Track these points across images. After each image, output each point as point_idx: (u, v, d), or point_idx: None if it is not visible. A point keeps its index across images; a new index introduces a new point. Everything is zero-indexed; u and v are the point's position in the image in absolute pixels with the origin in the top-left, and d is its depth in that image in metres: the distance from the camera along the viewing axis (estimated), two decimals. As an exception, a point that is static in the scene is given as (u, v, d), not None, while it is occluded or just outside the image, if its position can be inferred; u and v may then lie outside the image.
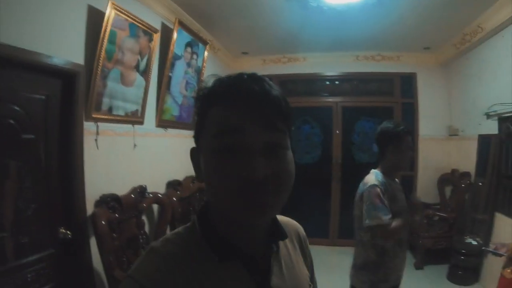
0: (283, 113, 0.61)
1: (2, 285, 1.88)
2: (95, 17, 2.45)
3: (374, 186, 1.94)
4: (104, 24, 2.42)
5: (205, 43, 3.99)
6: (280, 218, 0.79)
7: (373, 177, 2.01)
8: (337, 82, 5.44)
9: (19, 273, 2.00)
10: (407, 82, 5.28)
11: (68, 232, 2.33)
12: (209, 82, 0.65)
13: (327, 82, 5.44)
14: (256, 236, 0.67)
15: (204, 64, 4.09)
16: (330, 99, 5.40)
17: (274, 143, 0.59)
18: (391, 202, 1.94)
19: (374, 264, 1.97)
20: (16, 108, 2.02)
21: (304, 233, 0.88)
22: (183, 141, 4.00)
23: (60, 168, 2.36)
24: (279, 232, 0.72)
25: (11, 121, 1.99)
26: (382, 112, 5.31)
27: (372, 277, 1.98)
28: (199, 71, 4.05)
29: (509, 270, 2.49)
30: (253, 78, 0.61)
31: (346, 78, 5.39)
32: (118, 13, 2.51)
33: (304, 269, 0.80)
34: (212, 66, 4.58)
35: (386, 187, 1.96)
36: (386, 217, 1.87)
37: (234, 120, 0.58)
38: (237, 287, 0.62)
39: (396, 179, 2.14)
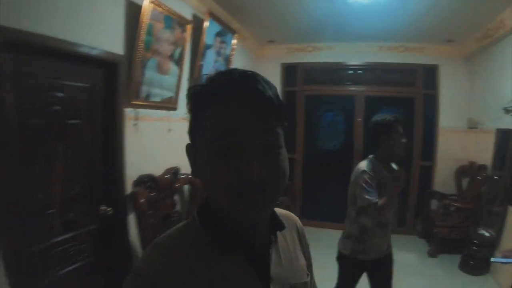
0: (277, 112, 0.59)
1: (48, 256, 1.97)
2: (133, 11, 2.46)
3: (363, 172, 2.08)
4: (142, 17, 2.43)
5: (233, 32, 3.95)
6: (279, 210, 0.78)
7: (365, 163, 2.15)
8: (360, 72, 5.28)
9: (63, 247, 2.09)
10: (430, 74, 5.06)
11: (109, 209, 2.40)
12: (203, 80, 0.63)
13: (351, 72, 5.30)
14: (257, 228, 0.66)
15: (233, 52, 4.06)
16: (353, 88, 5.26)
17: (269, 142, 0.58)
18: (379, 187, 2.06)
19: (356, 238, 2.16)
20: (63, 95, 2.07)
21: (301, 225, 0.86)
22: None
23: (103, 150, 2.42)
24: (278, 223, 0.71)
25: (59, 108, 2.04)
26: (403, 102, 5.16)
27: (353, 246, 2.17)
28: (227, 59, 4.03)
29: None
30: (245, 77, 0.59)
31: (370, 68, 5.22)
32: (155, 6, 2.51)
33: (302, 259, 0.80)
34: (240, 54, 4.53)
35: (375, 174, 2.08)
36: (373, 198, 2.02)
37: (229, 122, 0.56)
38: (239, 276, 0.61)
39: (394, 165, 2.22)
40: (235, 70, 0.60)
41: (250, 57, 5.13)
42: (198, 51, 3.36)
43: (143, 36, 2.49)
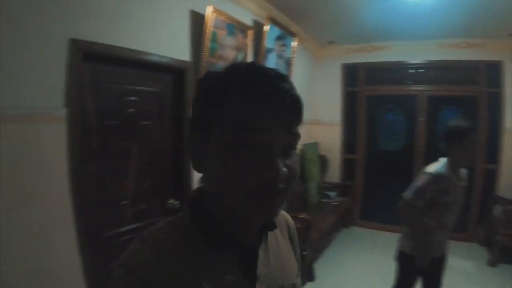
0: (302, 116, 0.58)
1: (119, 242, 2.13)
2: (197, 20, 2.59)
3: (428, 173, 2.05)
4: (205, 25, 2.56)
5: (293, 35, 3.95)
6: None
7: (435, 166, 2.08)
8: (421, 70, 4.92)
9: (132, 235, 2.24)
10: (493, 71, 4.51)
11: (177, 202, 2.55)
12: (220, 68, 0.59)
13: (412, 71, 4.97)
14: (251, 227, 0.64)
15: (293, 55, 4.05)
16: (415, 88, 4.94)
17: (290, 144, 0.56)
18: (442, 194, 2.01)
19: (417, 236, 2.10)
20: (137, 99, 2.26)
21: (293, 224, 0.83)
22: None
23: (172, 149, 2.59)
24: (269, 223, 0.68)
25: (133, 110, 2.23)
26: (466, 101, 4.69)
27: (415, 245, 2.11)
28: (288, 62, 4.03)
29: None
30: (281, 76, 0.56)
31: (430, 66, 4.84)
32: (217, 15, 2.62)
33: (293, 259, 0.76)
34: (300, 56, 4.50)
35: (440, 180, 2.02)
36: (412, 196, 2.04)
37: (261, 118, 0.53)
38: (227, 274, 0.59)
39: (463, 170, 2.16)
40: (260, 65, 0.58)
41: (310, 59, 5.08)
42: (259, 55, 3.42)
43: (207, 43, 2.62)
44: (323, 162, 5.18)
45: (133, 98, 2.23)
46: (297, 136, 0.58)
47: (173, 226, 0.61)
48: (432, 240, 2.09)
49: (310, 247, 3.23)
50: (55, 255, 1.73)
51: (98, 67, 1.97)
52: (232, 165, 0.53)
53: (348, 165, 5.26)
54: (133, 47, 2.11)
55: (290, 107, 0.55)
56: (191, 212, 0.62)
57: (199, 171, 0.61)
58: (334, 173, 5.31)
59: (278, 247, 0.72)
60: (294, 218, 2.88)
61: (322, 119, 5.40)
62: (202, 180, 0.63)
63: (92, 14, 1.87)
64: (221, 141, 0.54)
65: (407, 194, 2.08)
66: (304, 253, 3.05)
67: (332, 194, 4.91)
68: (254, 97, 0.53)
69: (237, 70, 0.57)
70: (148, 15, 2.23)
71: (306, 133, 4.99)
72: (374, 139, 5.19)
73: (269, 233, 0.69)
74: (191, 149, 0.61)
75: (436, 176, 2.02)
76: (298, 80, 4.52)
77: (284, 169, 0.53)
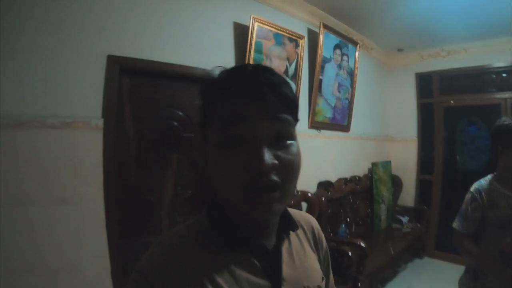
0: (288, 102, 0.58)
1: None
2: (241, 32, 2.68)
3: (469, 191, 1.82)
4: (249, 36, 2.63)
5: (355, 43, 3.82)
6: (293, 211, 0.76)
7: (477, 182, 1.83)
8: (505, 75, 4.25)
9: None
10: None
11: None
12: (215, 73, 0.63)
13: (493, 75, 4.32)
14: (269, 227, 0.65)
15: (357, 65, 3.91)
16: (498, 95, 4.29)
17: (280, 134, 0.56)
18: (488, 210, 1.71)
19: (474, 272, 1.79)
20: (179, 112, 2.40)
21: (318, 227, 0.82)
22: (337, 142, 3.92)
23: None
24: (290, 223, 0.70)
25: (175, 123, 2.38)
26: None
27: (471, 284, 1.80)
28: (351, 73, 3.90)
29: None
30: (258, 68, 0.59)
31: None
32: (261, 25, 2.68)
33: (316, 262, 0.75)
34: (366, 65, 4.33)
35: (482, 194, 1.74)
36: (459, 224, 1.80)
37: (239, 110, 0.55)
38: (247, 276, 0.59)
39: None
40: (249, 64, 0.62)
41: (378, 68, 4.83)
42: (316, 65, 3.37)
43: (252, 54, 2.68)
44: (396, 183, 4.81)
45: (177, 111, 2.37)
46: (288, 124, 0.58)
47: (192, 229, 0.63)
48: (493, 278, 1.71)
49: (367, 278, 2.99)
50: (85, 252, 1.91)
51: (137, 81, 2.16)
52: (221, 161, 0.55)
53: (423, 187, 4.81)
54: (174, 61, 2.27)
55: (271, 95, 0.56)
56: (209, 214, 0.64)
57: (207, 174, 0.62)
58: (408, 196, 4.89)
59: (303, 249, 0.73)
60: (349, 244, 2.71)
61: (394, 135, 5.08)
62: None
63: (130, 31, 2.09)
64: (212, 139, 0.58)
65: (455, 222, 1.84)
66: (358, 284, 2.86)
67: (404, 219, 4.53)
68: (234, 91, 0.56)
69: (226, 71, 0.60)
70: (190, 29, 2.38)
71: (376, 150, 4.75)
72: (453, 157, 4.64)
73: (293, 234, 0.72)
74: (200, 154, 0.65)
75: (475, 191, 1.77)
76: (365, 92, 4.36)
77: (273, 160, 0.53)
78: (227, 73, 0.60)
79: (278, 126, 0.56)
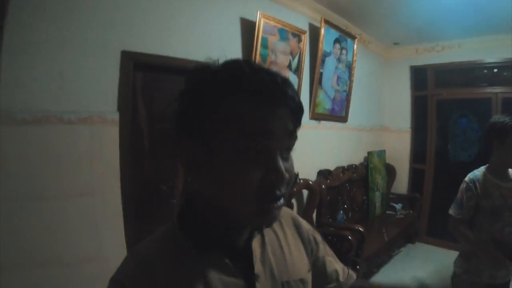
0: (301, 117, 0.60)
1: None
2: (247, 27, 2.73)
3: (464, 181, 1.94)
4: (256, 32, 2.68)
5: (353, 37, 3.89)
6: None
7: (472, 173, 1.96)
8: (496, 70, 4.39)
9: None
10: None
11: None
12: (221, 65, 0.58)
13: (485, 71, 4.46)
14: (246, 228, 0.64)
15: (355, 58, 3.99)
16: (489, 90, 4.42)
17: (291, 147, 0.58)
18: (481, 199, 1.86)
19: (467, 255, 1.96)
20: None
21: (295, 216, 0.82)
22: (335, 132, 4.02)
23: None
24: None
25: (184, 115, 2.43)
26: None
27: (465, 264, 1.97)
28: (349, 66, 3.97)
29: None
30: (286, 81, 0.56)
31: (507, 65, 4.24)
32: (267, 21, 2.73)
33: (300, 254, 0.75)
34: (364, 59, 4.40)
35: (476, 183, 1.88)
36: (455, 211, 1.92)
37: (267, 124, 0.53)
38: (220, 277, 0.59)
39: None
40: (263, 67, 0.57)
41: (375, 61, 4.91)
42: (316, 59, 3.43)
43: (258, 49, 2.73)
44: (390, 171, 4.95)
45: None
46: (295, 139, 0.59)
47: (164, 235, 0.62)
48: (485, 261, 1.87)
49: (364, 262, 3.13)
50: (103, 242, 1.99)
51: (150, 76, 2.21)
52: (236, 170, 0.53)
53: (416, 176, 4.96)
54: (184, 57, 2.31)
55: (294, 113, 0.56)
56: (180, 218, 0.63)
57: (191, 175, 0.60)
58: (401, 184, 5.03)
59: (279, 243, 0.72)
60: (348, 229, 2.81)
61: (389, 126, 5.19)
62: (194, 183, 0.65)
63: (143, 27, 2.13)
64: (222, 146, 0.54)
65: (451, 209, 1.96)
66: (357, 267, 2.99)
67: (398, 206, 4.68)
68: (259, 101, 0.53)
69: (238, 70, 0.55)
70: (198, 25, 2.42)
71: (372, 140, 4.87)
72: (445, 148, 4.79)
73: (269, 230, 0.71)
74: (183, 148, 0.58)
75: (470, 181, 1.90)
76: (362, 84, 4.44)
77: (287, 174, 0.55)
78: (242, 75, 0.54)
79: (291, 141, 0.58)
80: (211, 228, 0.60)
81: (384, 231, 3.97)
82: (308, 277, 0.73)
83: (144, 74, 2.17)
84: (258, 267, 0.64)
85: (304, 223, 0.82)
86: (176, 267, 0.57)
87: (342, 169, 4.01)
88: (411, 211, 4.66)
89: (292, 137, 0.57)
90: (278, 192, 0.54)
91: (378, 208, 4.55)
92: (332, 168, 3.89)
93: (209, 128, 0.54)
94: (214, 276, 0.58)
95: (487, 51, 4.31)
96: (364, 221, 4.08)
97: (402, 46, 4.91)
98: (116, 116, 2.02)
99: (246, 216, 0.56)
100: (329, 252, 0.86)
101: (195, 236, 0.60)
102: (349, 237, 2.96)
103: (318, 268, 0.80)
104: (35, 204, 1.75)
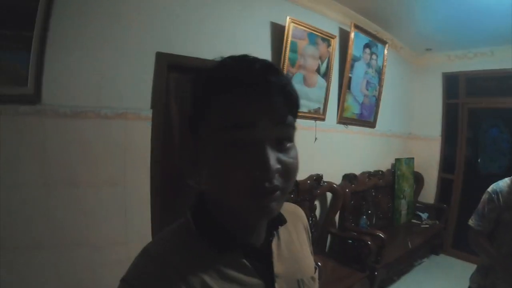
0: (294, 104, 0.56)
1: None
2: (277, 31, 2.78)
3: (486, 192, 1.87)
4: (285, 37, 2.73)
5: (384, 43, 3.85)
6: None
7: (495, 183, 1.88)
8: None
9: None
10: None
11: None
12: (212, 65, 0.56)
13: None
14: (256, 226, 0.62)
15: (385, 63, 3.94)
16: None
17: (283, 137, 0.54)
18: (504, 211, 1.77)
19: (485, 270, 1.86)
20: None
21: (303, 214, 0.80)
22: (363, 137, 4.00)
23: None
24: (278, 218, 0.66)
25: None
26: None
27: (481, 281, 1.87)
28: (379, 71, 3.93)
29: None
30: (268, 66, 0.54)
31: None
32: (296, 25, 2.77)
33: (309, 255, 0.75)
34: (394, 64, 4.34)
35: (499, 196, 1.80)
36: (475, 222, 1.86)
37: (248, 114, 0.51)
38: (239, 277, 0.57)
39: None
40: (251, 57, 0.56)
41: (406, 68, 4.82)
42: (346, 63, 3.44)
43: (287, 53, 2.78)
44: (418, 179, 4.84)
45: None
46: (292, 128, 0.56)
47: (176, 234, 0.59)
48: (502, 277, 1.77)
49: (383, 268, 3.10)
50: (130, 228, 2.11)
51: (182, 76, 2.30)
52: (223, 163, 0.51)
53: (444, 186, 4.80)
54: (214, 58, 2.37)
55: (279, 99, 0.53)
56: (194, 216, 0.60)
57: (195, 170, 0.58)
58: (429, 193, 4.89)
59: (293, 242, 0.71)
60: (369, 235, 2.81)
61: (419, 133, 5.06)
62: (197, 180, 0.62)
63: (176, 31, 2.23)
64: (209, 140, 0.53)
65: (471, 220, 1.90)
66: (375, 273, 2.98)
67: (424, 215, 4.57)
68: (238, 92, 0.51)
69: (224, 65, 0.55)
70: (230, 29, 2.50)
71: (401, 147, 4.78)
72: (475, 158, 4.62)
73: (282, 228, 0.68)
74: (188, 151, 0.59)
75: (493, 192, 1.82)
76: (392, 90, 4.38)
77: (277, 165, 0.51)
78: (229, 67, 0.54)
79: (283, 130, 0.54)
80: (224, 226, 0.58)
81: (408, 239, 3.89)
82: (316, 275, 0.72)
83: (177, 74, 2.27)
84: (277, 267, 0.62)
85: (306, 218, 0.81)
86: (192, 267, 0.54)
87: (368, 175, 3.97)
88: (437, 222, 4.52)
89: (284, 126, 0.54)
90: (268, 185, 0.50)
91: (404, 216, 4.46)
92: (358, 173, 3.86)
93: (203, 125, 0.55)
94: (233, 276, 0.56)
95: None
96: (388, 228, 4.02)
97: (434, 53, 4.79)
98: (149, 113, 2.13)
99: (242, 211, 0.54)
100: None
101: (211, 234, 0.58)
102: (368, 242, 2.95)
103: None
104: (71, 191, 1.89)
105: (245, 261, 0.58)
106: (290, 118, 0.55)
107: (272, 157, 0.51)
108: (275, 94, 0.52)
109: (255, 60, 0.54)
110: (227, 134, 0.51)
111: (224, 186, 0.52)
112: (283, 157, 0.53)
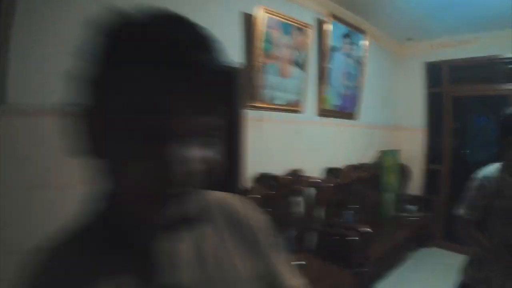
0: (225, 95, 0.46)
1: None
2: (249, 22, 2.68)
3: (476, 178, 1.77)
4: (256, 26, 2.63)
5: (363, 32, 3.77)
6: (210, 195, 0.60)
7: (484, 169, 1.79)
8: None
9: None
10: None
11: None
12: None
13: (504, 66, 4.15)
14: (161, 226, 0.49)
15: (365, 54, 3.87)
16: (508, 86, 4.13)
17: (207, 128, 0.43)
18: (494, 198, 1.66)
19: (478, 261, 1.75)
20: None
21: (240, 208, 0.63)
22: (346, 129, 3.92)
23: (225, 148, 2.70)
24: (188, 219, 0.52)
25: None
26: None
27: (473, 273, 1.77)
28: (360, 61, 3.86)
29: None
30: (200, 43, 0.43)
31: None
32: (269, 15, 2.68)
33: (240, 253, 0.58)
34: (375, 54, 4.25)
35: (487, 183, 1.70)
36: (465, 211, 1.76)
37: (160, 99, 0.39)
38: (113, 281, 0.45)
39: None
40: (163, 11, 0.44)
41: (387, 57, 4.75)
42: (323, 54, 3.35)
43: (260, 43, 2.68)
44: (404, 172, 4.77)
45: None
46: (219, 116, 0.45)
47: (82, 232, 0.50)
48: (496, 268, 1.68)
49: (372, 263, 3.01)
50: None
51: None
52: (119, 155, 0.41)
53: (432, 177, 4.72)
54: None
55: (204, 85, 0.42)
56: (91, 213, 0.51)
57: (93, 157, 0.45)
58: (416, 185, 4.84)
59: (215, 242, 0.56)
60: (355, 230, 2.72)
61: (403, 124, 5.00)
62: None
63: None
64: (111, 124, 0.41)
65: (458, 209, 1.80)
66: (363, 270, 2.88)
67: (412, 208, 4.49)
68: (152, 68, 0.39)
69: (128, 24, 0.42)
70: (199, 19, 2.36)
71: (385, 139, 4.71)
72: (462, 148, 4.57)
73: (197, 230, 0.55)
74: (81, 127, 0.45)
75: (482, 179, 1.73)
76: (374, 80, 4.31)
77: (195, 165, 0.42)
78: (135, 29, 0.41)
79: (207, 120, 0.43)
80: (118, 225, 0.48)
81: (396, 233, 3.81)
82: (248, 277, 0.57)
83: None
84: (184, 273, 0.49)
85: (255, 220, 0.64)
86: (79, 267, 0.45)
87: (353, 168, 3.89)
88: (426, 214, 4.44)
89: (209, 116, 0.43)
90: (178, 189, 0.41)
91: (391, 209, 4.39)
92: (342, 166, 3.77)
93: (104, 97, 0.42)
94: (109, 279, 0.45)
95: (506, 46, 4.00)
96: (375, 222, 3.93)
97: (415, 42, 4.72)
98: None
99: (132, 212, 0.45)
100: (286, 263, 0.66)
101: (100, 234, 0.48)
102: (355, 238, 2.85)
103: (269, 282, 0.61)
104: (45, 192, 1.76)
105: (128, 265, 0.47)
106: (216, 104, 0.44)
107: (188, 155, 0.41)
108: (203, 74, 0.41)
109: (187, 28, 0.43)
110: (130, 120, 0.39)
111: (120, 182, 0.43)
112: (197, 152, 0.42)
